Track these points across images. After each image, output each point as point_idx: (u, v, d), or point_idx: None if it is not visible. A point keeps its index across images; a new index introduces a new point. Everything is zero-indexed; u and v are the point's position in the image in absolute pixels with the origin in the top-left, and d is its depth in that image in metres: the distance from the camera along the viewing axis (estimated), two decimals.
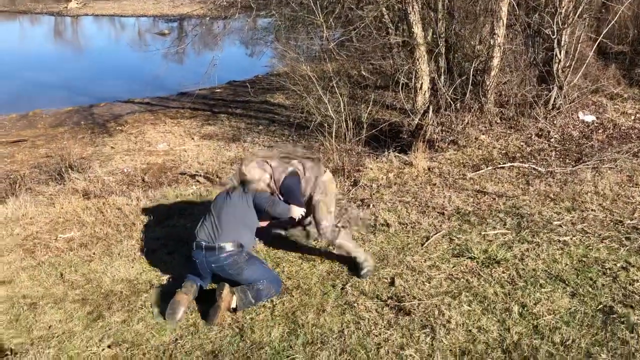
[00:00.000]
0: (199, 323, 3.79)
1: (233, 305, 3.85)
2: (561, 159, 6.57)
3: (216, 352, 3.46)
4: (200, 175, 8.56)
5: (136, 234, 5.35)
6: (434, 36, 8.79)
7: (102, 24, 30.39)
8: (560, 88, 7.74)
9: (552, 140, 7.15)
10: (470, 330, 3.44)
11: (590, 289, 3.82)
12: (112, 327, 3.80)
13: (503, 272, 4.10)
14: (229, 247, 4.00)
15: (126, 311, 3.98)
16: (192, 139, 11.07)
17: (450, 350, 3.28)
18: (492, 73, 7.76)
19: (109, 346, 3.58)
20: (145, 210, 6.02)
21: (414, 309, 3.70)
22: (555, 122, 7.48)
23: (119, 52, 23.33)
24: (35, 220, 5.96)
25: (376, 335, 3.47)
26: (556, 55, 7.74)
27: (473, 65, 7.88)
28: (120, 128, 12.25)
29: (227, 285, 3.86)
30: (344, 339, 3.46)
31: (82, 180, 8.01)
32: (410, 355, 3.26)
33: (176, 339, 3.63)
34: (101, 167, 9.07)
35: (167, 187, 7.33)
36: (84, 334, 3.73)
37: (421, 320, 3.59)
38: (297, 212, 4.29)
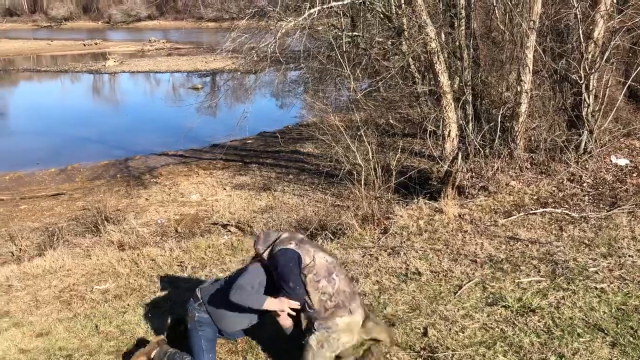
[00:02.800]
0: None
1: (152, 355, 3.90)
2: (595, 204, 6.46)
3: None
4: (232, 225, 8.68)
5: (169, 285, 5.42)
6: (461, 84, 8.90)
7: (138, 80, 31.57)
8: (591, 132, 7.69)
9: (584, 184, 7.05)
10: None
11: (631, 339, 3.70)
12: None
13: (539, 321, 4.00)
14: (196, 298, 3.89)
15: None
16: (224, 189, 11.26)
17: None
18: (521, 119, 7.77)
19: None
20: (178, 261, 6.11)
21: None
22: (587, 166, 7.39)
23: (154, 107, 24.12)
24: (72, 272, 6.10)
25: None
26: (585, 99, 7.72)
27: (501, 112, 7.92)
28: (154, 180, 12.56)
29: (161, 337, 4.01)
30: None
31: (117, 232, 8.19)
32: None
33: None
34: (136, 219, 9.27)
35: (199, 237, 7.44)
36: None
37: None
38: (278, 305, 3.49)
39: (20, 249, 8.25)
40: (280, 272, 3.43)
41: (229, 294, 3.54)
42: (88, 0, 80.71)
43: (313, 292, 3.44)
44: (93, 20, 77.36)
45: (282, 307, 3.48)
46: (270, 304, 3.49)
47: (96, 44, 49.46)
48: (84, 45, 48.67)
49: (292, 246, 3.48)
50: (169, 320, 4.20)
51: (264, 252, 3.61)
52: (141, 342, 4.27)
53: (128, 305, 5.05)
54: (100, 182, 12.92)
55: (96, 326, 4.68)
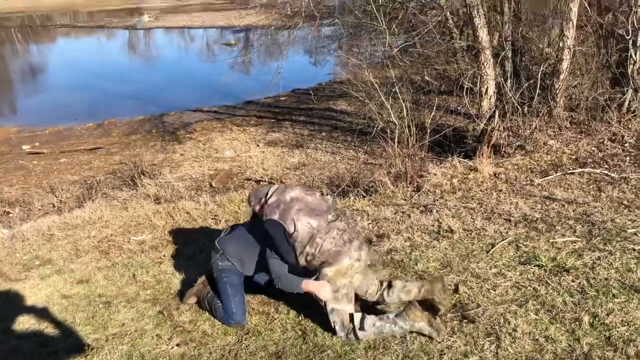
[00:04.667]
0: (261, 325, 3.87)
1: (199, 294, 4.20)
2: (636, 165, 6.25)
3: (279, 353, 3.53)
4: (265, 181, 8.74)
5: (204, 238, 5.53)
6: (500, 39, 8.61)
7: (172, 36, 31.61)
8: (636, 90, 7.39)
9: (626, 145, 6.83)
10: (537, 340, 3.35)
11: None
12: (180, 326, 3.95)
13: (573, 281, 3.95)
14: (216, 249, 4.07)
15: (194, 311, 4.12)
16: (258, 145, 11.31)
17: (516, 359, 3.20)
18: (562, 76, 7.51)
19: (177, 344, 3.73)
20: (212, 215, 6.21)
21: (479, 317, 3.63)
22: (630, 126, 7.14)
23: (188, 63, 24.18)
24: (110, 224, 6.28)
25: (439, 342, 3.43)
26: (631, 56, 7.39)
27: (541, 69, 7.65)
28: (189, 136, 12.69)
29: (204, 278, 4.28)
30: (407, 345, 3.44)
31: (153, 185, 8.35)
32: None
33: (240, 340, 3.72)
34: (171, 173, 9.42)
35: (233, 192, 7.53)
36: (154, 332, 3.90)
37: (486, 328, 3.52)
38: (317, 288, 3.65)
39: (60, 200, 8.51)
40: (273, 245, 3.69)
41: (247, 246, 3.94)
42: None
43: (300, 255, 3.63)
44: None
45: (318, 290, 3.64)
46: (306, 285, 3.67)
47: None
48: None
49: (275, 217, 3.59)
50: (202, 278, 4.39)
51: (261, 213, 3.76)
52: (185, 282, 4.59)
53: (164, 256, 5.19)
54: (137, 136, 13.13)
55: (133, 275, 4.82)
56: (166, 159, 10.95)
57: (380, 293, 3.78)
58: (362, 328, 3.52)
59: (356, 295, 3.74)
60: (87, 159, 11.50)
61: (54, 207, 8.37)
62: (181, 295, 4.35)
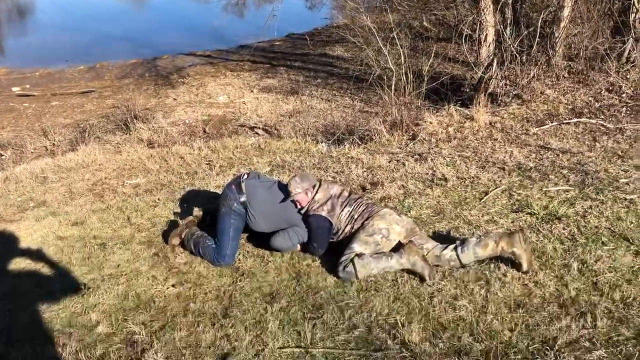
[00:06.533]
0: (256, 267, 3.92)
1: (182, 235, 4.24)
2: (632, 116, 6.25)
3: (273, 294, 3.59)
4: (259, 128, 8.70)
5: (198, 182, 5.53)
6: None
7: None
8: (637, 40, 7.29)
9: (623, 95, 6.79)
10: (526, 285, 3.42)
11: None
12: (175, 268, 4.00)
13: (563, 229, 4.01)
14: (240, 191, 4.01)
15: (189, 255, 4.16)
16: (252, 91, 11.19)
17: (505, 302, 3.27)
18: (562, 24, 7.38)
19: (173, 285, 3.77)
20: (206, 160, 6.20)
21: (470, 262, 3.69)
22: (628, 76, 7.08)
23: (181, 4, 23.54)
24: (103, 167, 6.26)
25: (430, 285, 3.50)
26: (633, 4, 7.26)
27: (541, 16, 7.51)
28: (182, 80, 12.52)
29: (190, 219, 4.39)
30: (398, 287, 3.50)
31: (146, 130, 8.30)
32: (464, 305, 3.27)
33: (235, 281, 3.77)
34: (164, 118, 9.34)
35: (227, 138, 7.49)
36: (149, 274, 3.94)
37: (476, 273, 3.58)
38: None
39: (53, 143, 8.45)
40: (312, 234, 3.95)
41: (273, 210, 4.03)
42: None
43: (342, 233, 4.00)
44: None
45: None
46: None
47: None
48: None
49: (324, 213, 3.93)
50: (195, 210, 4.48)
51: (306, 206, 4.01)
52: (173, 224, 4.60)
53: (158, 199, 5.19)
54: (129, 80, 12.94)
55: (128, 218, 4.84)
56: (159, 103, 10.83)
57: (450, 251, 3.65)
58: (360, 256, 3.64)
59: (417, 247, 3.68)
60: (80, 102, 11.36)
61: (47, 150, 8.32)
62: (165, 236, 4.40)
